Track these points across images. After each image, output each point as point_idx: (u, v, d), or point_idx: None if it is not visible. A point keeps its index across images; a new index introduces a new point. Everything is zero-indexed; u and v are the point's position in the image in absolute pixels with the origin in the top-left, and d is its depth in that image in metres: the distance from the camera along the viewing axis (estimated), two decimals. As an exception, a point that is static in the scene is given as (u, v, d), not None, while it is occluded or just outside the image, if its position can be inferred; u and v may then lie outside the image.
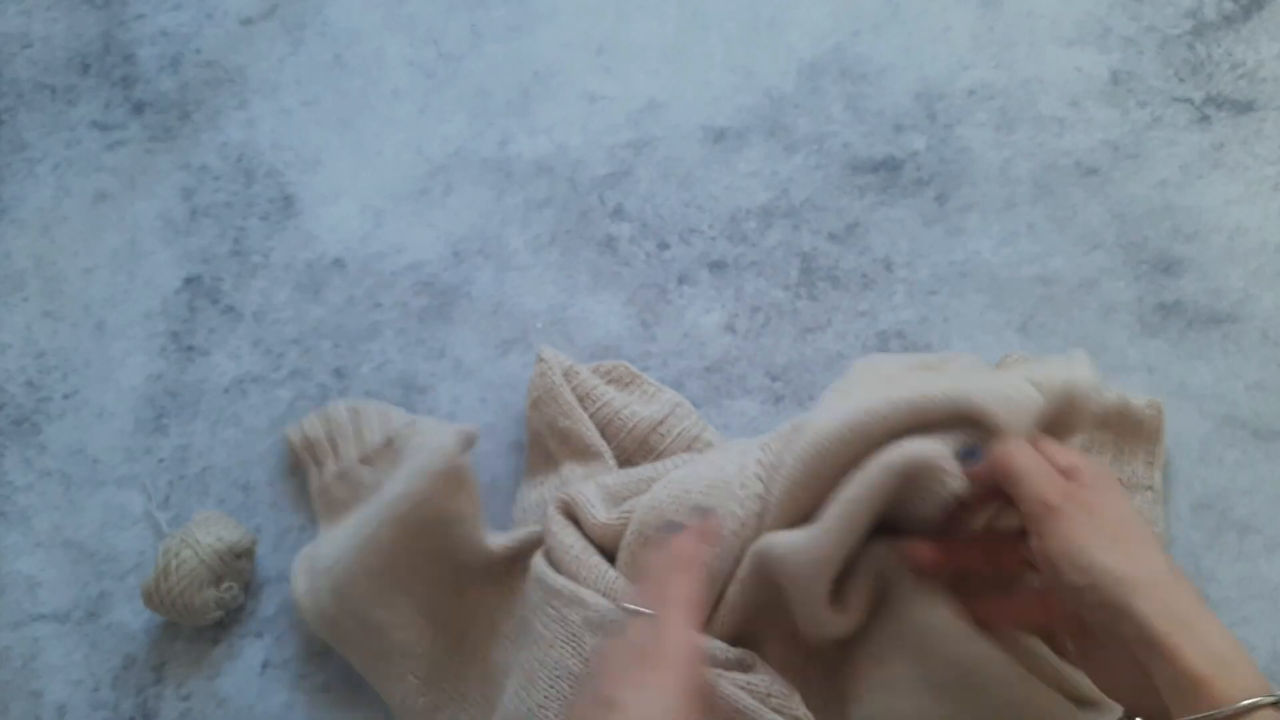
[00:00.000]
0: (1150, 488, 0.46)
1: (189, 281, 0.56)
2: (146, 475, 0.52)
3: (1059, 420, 0.38)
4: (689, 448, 0.47)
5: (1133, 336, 0.50)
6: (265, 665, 0.48)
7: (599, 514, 0.42)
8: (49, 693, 0.48)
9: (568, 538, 0.42)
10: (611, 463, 0.46)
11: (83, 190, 0.59)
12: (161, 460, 0.52)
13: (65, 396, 0.54)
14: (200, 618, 0.46)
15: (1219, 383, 0.49)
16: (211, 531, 0.47)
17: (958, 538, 0.38)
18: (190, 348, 0.55)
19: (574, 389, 0.48)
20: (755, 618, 0.40)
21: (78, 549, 0.51)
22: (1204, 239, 0.52)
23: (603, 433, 0.47)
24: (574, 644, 0.38)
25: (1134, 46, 0.57)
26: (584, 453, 0.47)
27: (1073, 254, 0.52)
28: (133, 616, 0.49)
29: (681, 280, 0.54)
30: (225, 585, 0.47)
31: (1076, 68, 0.56)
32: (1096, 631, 0.33)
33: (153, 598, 0.46)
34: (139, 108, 0.61)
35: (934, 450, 0.35)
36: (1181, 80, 0.56)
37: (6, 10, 0.65)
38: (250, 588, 0.49)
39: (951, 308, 0.52)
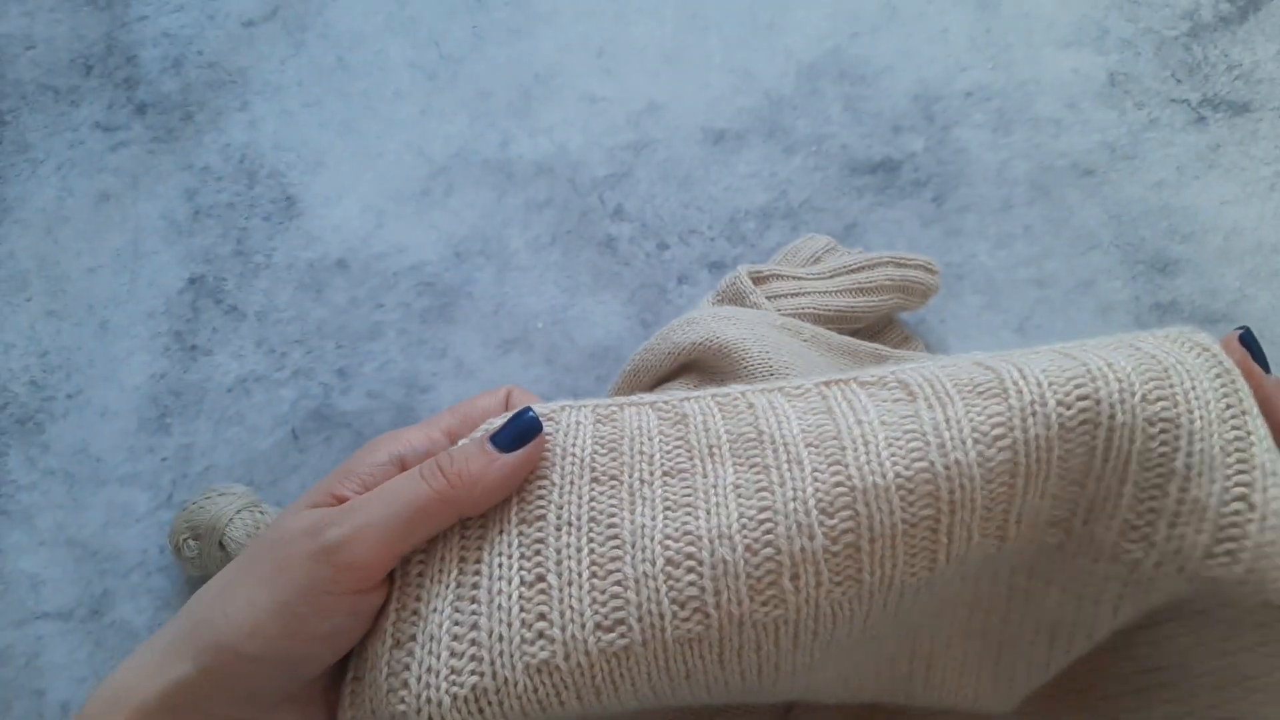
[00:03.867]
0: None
1: (192, 281, 0.57)
2: (150, 474, 0.52)
3: None
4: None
5: (1129, 336, 0.51)
6: (268, 663, 0.48)
7: None
8: (52, 691, 0.48)
9: None
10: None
11: (86, 191, 0.59)
12: (165, 459, 0.52)
13: (69, 396, 0.54)
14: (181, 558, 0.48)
15: (1215, 382, 0.49)
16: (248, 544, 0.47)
17: None
18: (193, 347, 0.55)
19: None
20: None
21: (81, 547, 0.51)
22: (1200, 239, 0.52)
23: None
24: None
25: (1131, 48, 0.57)
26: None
27: (1069, 255, 0.53)
28: (136, 614, 0.49)
29: (681, 280, 0.54)
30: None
31: (1073, 69, 0.57)
32: None
33: (179, 533, 0.47)
34: (142, 109, 0.61)
35: None
36: (1178, 81, 0.56)
37: (9, 11, 0.65)
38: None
39: (948, 309, 0.52)
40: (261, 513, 0.48)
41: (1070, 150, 0.55)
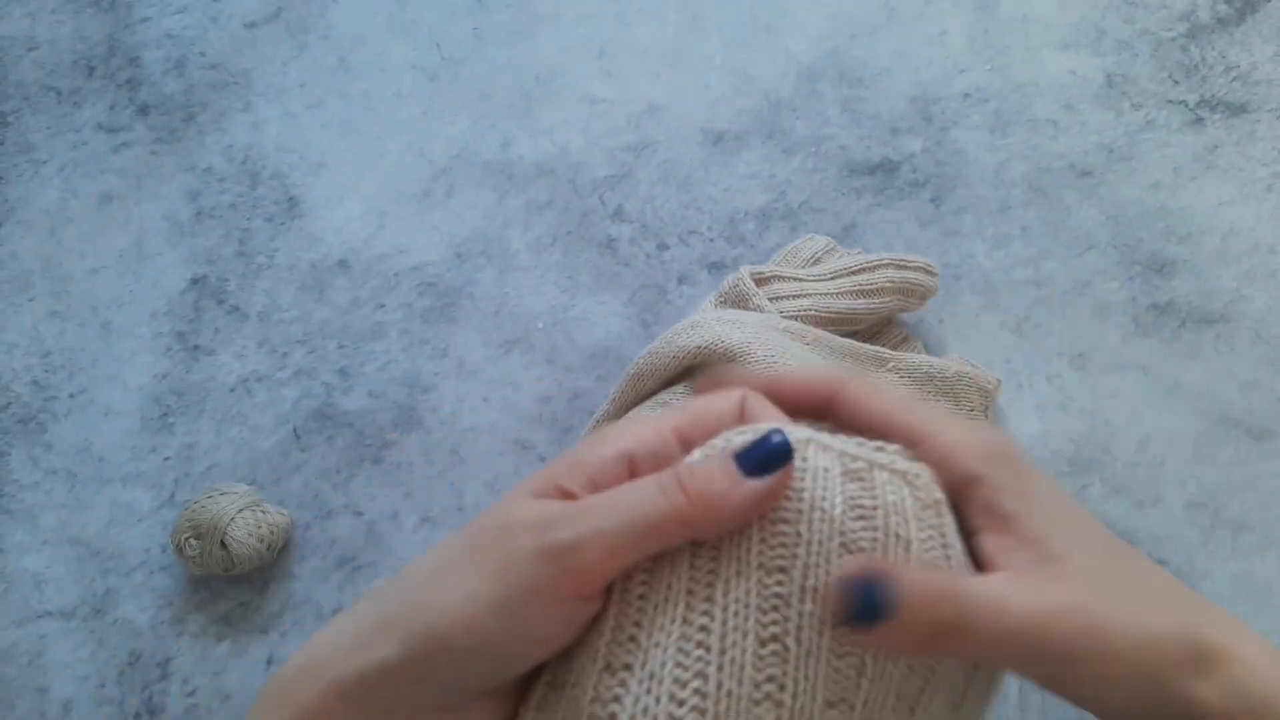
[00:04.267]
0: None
1: (195, 282, 0.57)
2: (153, 473, 0.52)
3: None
4: None
5: (1126, 337, 0.51)
6: (270, 662, 0.48)
7: None
8: (55, 689, 0.49)
9: None
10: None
11: (89, 192, 0.60)
12: (167, 459, 0.53)
13: (71, 395, 0.55)
14: (180, 550, 0.48)
15: (1212, 382, 0.50)
16: (249, 543, 0.47)
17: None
18: (196, 347, 0.55)
19: None
20: None
21: (84, 546, 0.51)
22: (1197, 240, 0.52)
23: None
24: None
25: (1128, 49, 0.57)
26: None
27: (1066, 256, 0.53)
28: (139, 613, 0.50)
29: (681, 281, 0.54)
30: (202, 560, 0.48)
31: (1071, 71, 0.57)
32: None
33: (182, 532, 0.47)
34: (144, 110, 0.62)
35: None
36: (1175, 83, 0.56)
37: (12, 13, 0.66)
38: (256, 583, 0.50)
39: (946, 309, 0.52)
40: (263, 512, 0.48)
41: (1068, 151, 0.55)
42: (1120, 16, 0.58)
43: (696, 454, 0.23)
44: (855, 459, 0.23)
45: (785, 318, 0.46)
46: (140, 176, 0.60)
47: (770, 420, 0.24)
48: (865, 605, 0.21)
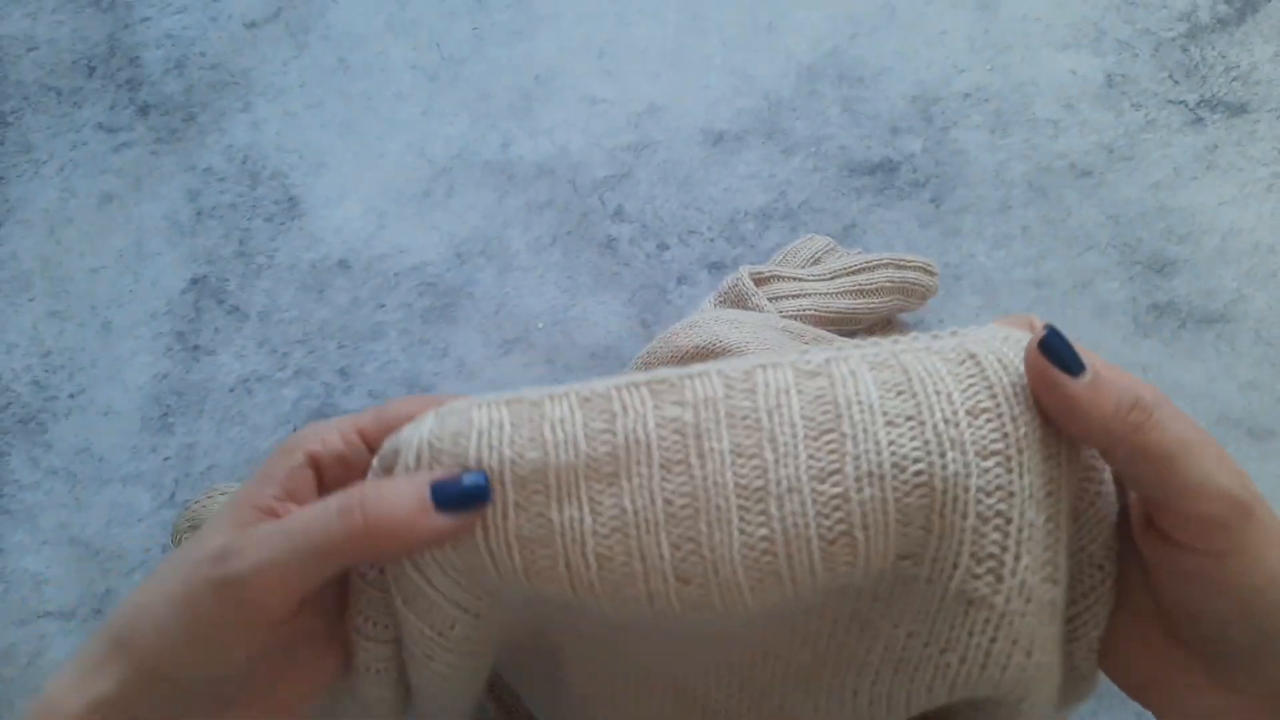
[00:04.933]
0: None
1: (195, 282, 0.57)
2: (152, 473, 0.52)
3: None
4: None
5: (1127, 336, 0.51)
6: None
7: None
8: (56, 689, 0.49)
9: None
10: None
11: (89, 192, 0.60)
12: (167, 459, 0.53)
13: (71, 395, 0.55)
14: None
15: (1213, 382, 0.50)
16: None
17: None
18: (196, 347, 0.55)
19: None
20: None
21: (84, 547, 0.51)
22: (1197, 240, 0.52)
23: None
24: None
25: (1128, 49, 0.57)
26: None
27: (1067, 255, 0.53)
28: (139, 613, 0.50)
29: (681, 281, 0.54)
30: None
31: (1071, 70, 0.57)
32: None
33: (181, 532, 0.47)
34: (144, 110, 0.62)
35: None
36: (1176, 83, 0.56)
37: (12, 13, 0.66)
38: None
39: (947, 309, 0.52)
40: None
41: (1068, 151, 0.55)
42: (1120, 16, 0.58)
43: (393, 480, 0.22)
44: (878, 354, 0.24)
45: (785, 317, 0.46)
46: (140, 176, 0.60)
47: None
48: (1066, 350, 0.22)
